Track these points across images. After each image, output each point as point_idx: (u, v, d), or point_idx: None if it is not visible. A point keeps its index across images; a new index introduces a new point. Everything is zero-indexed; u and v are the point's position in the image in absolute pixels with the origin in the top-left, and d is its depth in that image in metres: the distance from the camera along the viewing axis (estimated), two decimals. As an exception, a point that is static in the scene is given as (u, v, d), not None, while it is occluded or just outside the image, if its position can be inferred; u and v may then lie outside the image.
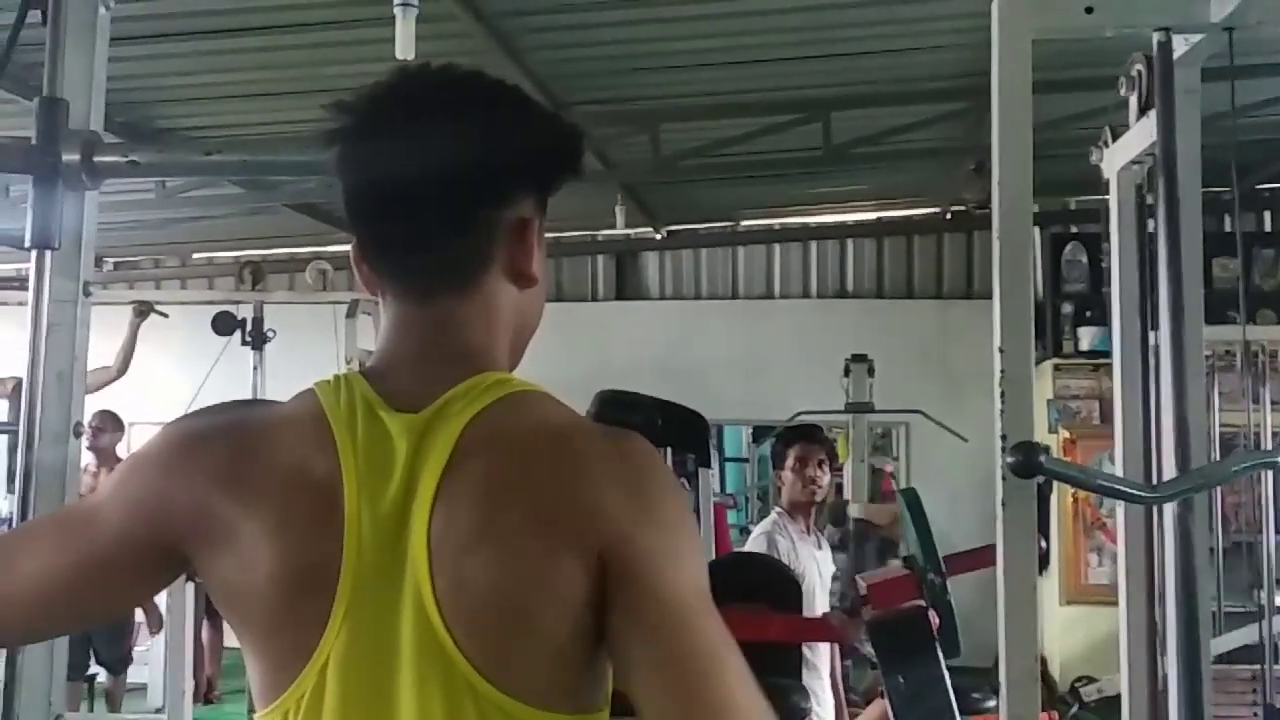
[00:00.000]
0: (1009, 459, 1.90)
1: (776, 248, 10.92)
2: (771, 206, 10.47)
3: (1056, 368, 9.28)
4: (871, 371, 8.20)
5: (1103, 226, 3.23)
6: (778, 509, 4.76)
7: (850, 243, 10.85)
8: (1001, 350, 2.29)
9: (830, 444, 5.16)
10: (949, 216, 10.58)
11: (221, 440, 1.33)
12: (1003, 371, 2.26)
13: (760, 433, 11.98)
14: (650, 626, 1.21)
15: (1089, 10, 2.23)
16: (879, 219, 10.88)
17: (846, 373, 8.20)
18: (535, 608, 1.24)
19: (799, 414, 8.40)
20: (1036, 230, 10.48)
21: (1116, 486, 1.94)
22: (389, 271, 1.38)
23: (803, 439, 4.84)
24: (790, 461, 4.70)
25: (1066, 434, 9.09)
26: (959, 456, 9.18)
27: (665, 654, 1.20)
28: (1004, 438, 2.27)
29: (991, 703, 4.15)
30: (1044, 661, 9.56)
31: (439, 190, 1.33)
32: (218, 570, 1.32)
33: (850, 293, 10.82)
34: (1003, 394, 2.26)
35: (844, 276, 10.86)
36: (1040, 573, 2.45)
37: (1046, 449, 2.09)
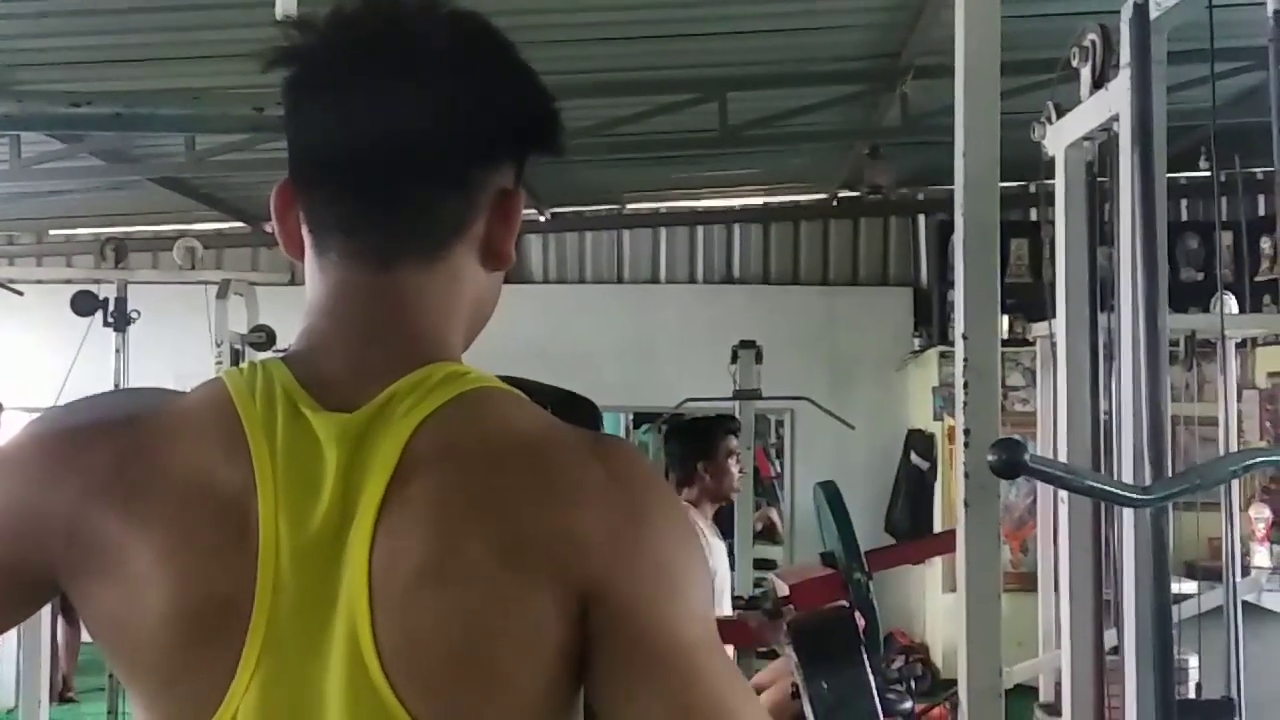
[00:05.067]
0: (990, 457, 1.71)
1: (663, 232, 10.79)
2: (659, 189, 10.32)
3: (942, 355, 9.27)
4: (759, 358, 8.07)
5: (1042, 208, 3.10)
6: (684, 503, 4.46)
7: (737, 228, 10.77)
8: (965, 337, 2.10)
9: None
10: (836, 203, 10.53)
11: (104, 440, 1.07)
12: (966, 360, 2.08)
13: (642, 419, 11.80)
14: (648, 679, 1.01)
15: (1064, -31, 2.06)
16: (766, 204, 10.80)
17: (734, 359, 8.04)
18: (503, 659, 1.01)
19: (686, 400, 8.26)
20: (922, 217, 10.52)
21: (1106, 489, 1.77)
22: (339, 227, 1.12)
23: (732, 430, 4.64)
24: (724, 454, 4.49)
25: (951, 422, 9.09)
26: (845, 444, 9.13)
27: (666, 711, 1.00)
28: (967, 432, 2.09)
29: (908, 704, 4.01)
30: (926, 649, 9.56)
31: (428, 138, 1.10)
32: (98, 603, 1.05)
33: (737, 278, 10.74)
34: (966, 384, 2.08)
35: (730, 262, 10.77)
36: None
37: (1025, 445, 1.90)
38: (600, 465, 1.06)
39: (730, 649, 4.22)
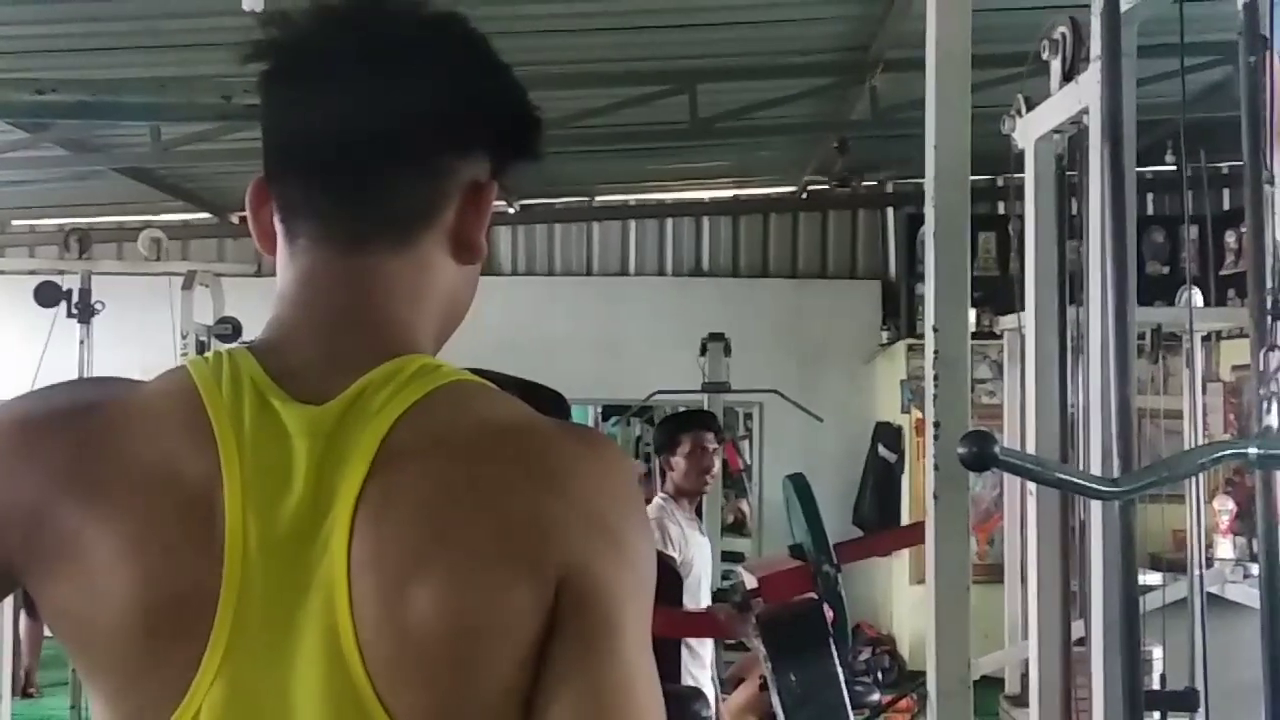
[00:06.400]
0: (960, 450, 1.71)
1: (632, 224, 10.78)
2: (629, 182, 10.31)
3: (910, 348, 9.30)
4: (728, 350, 8.09)
5: (1010, 201, 3.11)
6: (663, 494, 4.57)
7: (706, 220, 10.78)
8: (935, 329, 2.10)
9: (720, 428, 5.05)
10: (805, 195, 10.54)
11: (64, 430, 1.04)
12: (936, 352, 2.09)
13: (610, 411, 11.80)
14: (596, 664, 1.01)
15: (1035, -40, 2.06)
16: (735, 197, 10.81)
17: (703, 351, 8.05)
18: (487, 653, 0.99)
19: (655, 393, 8.27)
20: (890, 210, 10.54)
21: (1076, 481, 1.77)
22: (309, 211, 1.11)
23: (697, 426, 4.69)
24: (686, 449, 4.53)
25: (919, 414, 9.12)
26: (813, 436, 9.15)
27: (606, 700, 1.00)
28: (937, 425, 2.10)
29: (875, 696, 4.02)
30: (894, 641, 9.60)
31: (396, 123, 1.10)
32: (57, 596, 1.03)
33: (706, 271, 10.75)
34: (936, 376, 2.08)
35: (700, 254, 10.78)
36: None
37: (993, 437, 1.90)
38: (581, 454, 1.06)
39: (710, 641, 4.24)
